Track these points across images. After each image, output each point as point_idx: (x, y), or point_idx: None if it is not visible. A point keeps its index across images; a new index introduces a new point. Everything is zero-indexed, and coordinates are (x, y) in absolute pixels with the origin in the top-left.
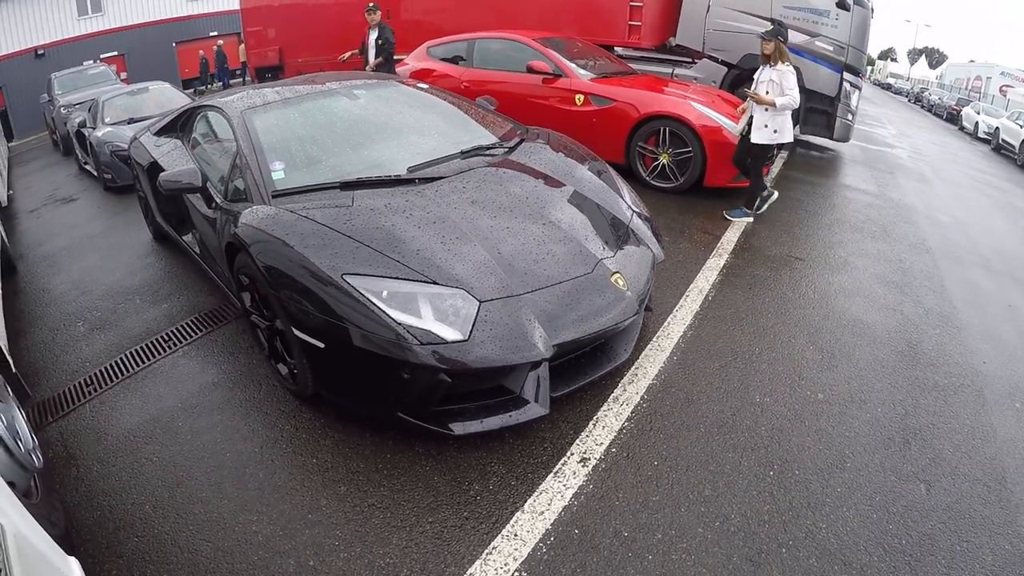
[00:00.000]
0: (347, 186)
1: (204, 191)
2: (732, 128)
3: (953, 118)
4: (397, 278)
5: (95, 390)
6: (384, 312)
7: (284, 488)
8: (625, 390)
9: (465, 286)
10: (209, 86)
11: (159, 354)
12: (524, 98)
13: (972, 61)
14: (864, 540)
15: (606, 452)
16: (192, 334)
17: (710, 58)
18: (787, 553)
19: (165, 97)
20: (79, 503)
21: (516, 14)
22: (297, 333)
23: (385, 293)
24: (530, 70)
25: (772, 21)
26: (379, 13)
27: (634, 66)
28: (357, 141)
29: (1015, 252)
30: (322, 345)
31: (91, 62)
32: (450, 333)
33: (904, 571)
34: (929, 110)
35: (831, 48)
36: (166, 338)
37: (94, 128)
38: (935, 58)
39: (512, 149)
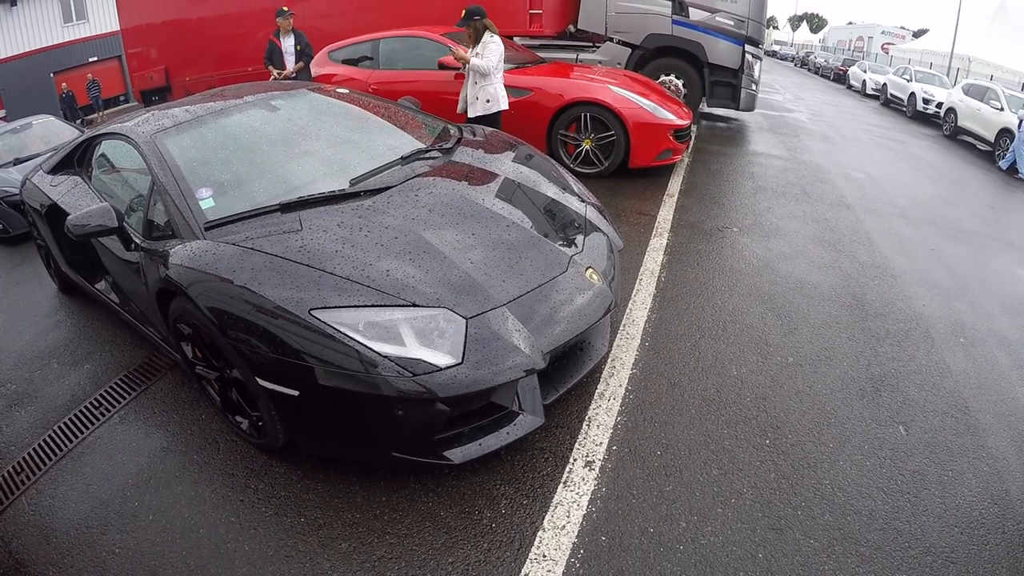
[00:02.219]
0: (288, 207)
1: (120, 231)
2: (652, 108)
3: (840, 78)
4: (371, 306)
5: (28, 478)
6: (365, 347)
7: (277, 558)
8: (608, 384)
9: (447, 304)
10: (101, 114)
11: (92, 423)
12: (437, 95)
13: (851, 23)
14: (865, 487)
15: (608, 451)
16: (125, 395)
17: (611, 40)
18: (803, 515)
19: (51, 131)
20: None
21: (414, 12)
22: (262, 383)
23: (361, 324)
24: (441, 66)
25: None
26: (292, 17)
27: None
28: (286, 156)
29: (926, 199)
30: (295, 393)
31: None
32: (441, 358)
33: (906, 508)
34: (816, 72)
35: (731, 22)
36: (96, 404)
37: None
38: (815, 23)
39: (451, 150)
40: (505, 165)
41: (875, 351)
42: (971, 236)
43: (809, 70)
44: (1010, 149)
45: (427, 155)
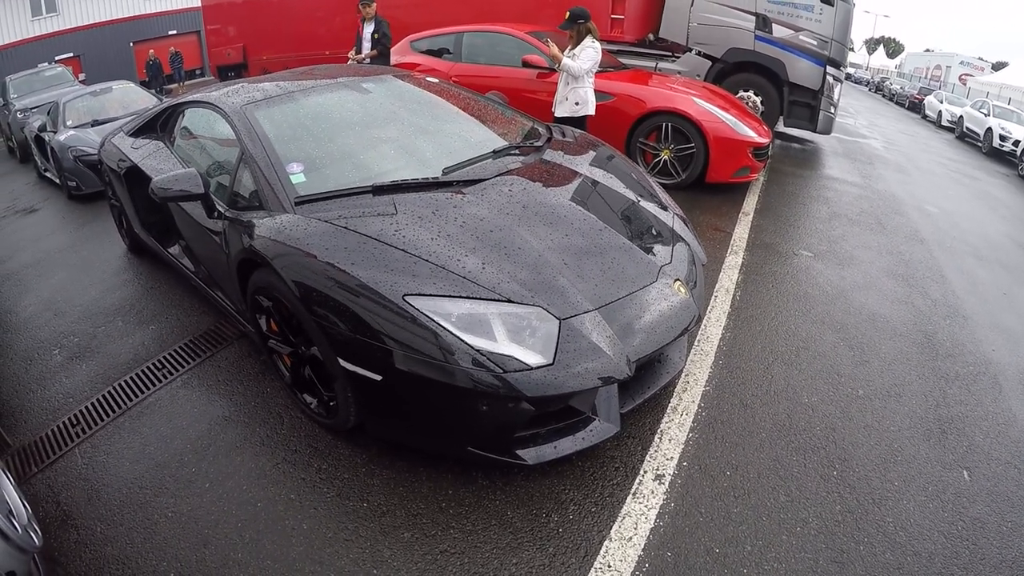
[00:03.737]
0: (380, 190)
1: (205, 198)
2: (733, 123)
3: (915, 106)
4: (466, 297)
5: (84, 431)
6: (457, 338)
7: (336, 540)
8: (681, 399)
9: (541, 303)
10: (182, 84)
11: (154, 385)
12: (518, 93)
13: (928, 50)
14: (926, 529)
15: (678, 467)
16: (189, 360)
17: (691, 51)
18: (865, 550)
19: (130, 97)
20: (84, 574)
21: (495, 7)
22: (344, 364)
23: (455, 316)
24: (525, 64)
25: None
26: (375, 5)
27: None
28: (375, 140)
29: (999, 240)
30: (378, 378)
31: (46, 64)
32: (533, 357)
33: (964, 555)
34: (891, 99)
35: (815, 42)
36: (159, 365)
37: (55, 132)
38: (892, 47)
39: (542, 149)
40: (595, 169)
41: (944, 392)
42: None
43: (884, 96)
44: None
45: (518, 151)
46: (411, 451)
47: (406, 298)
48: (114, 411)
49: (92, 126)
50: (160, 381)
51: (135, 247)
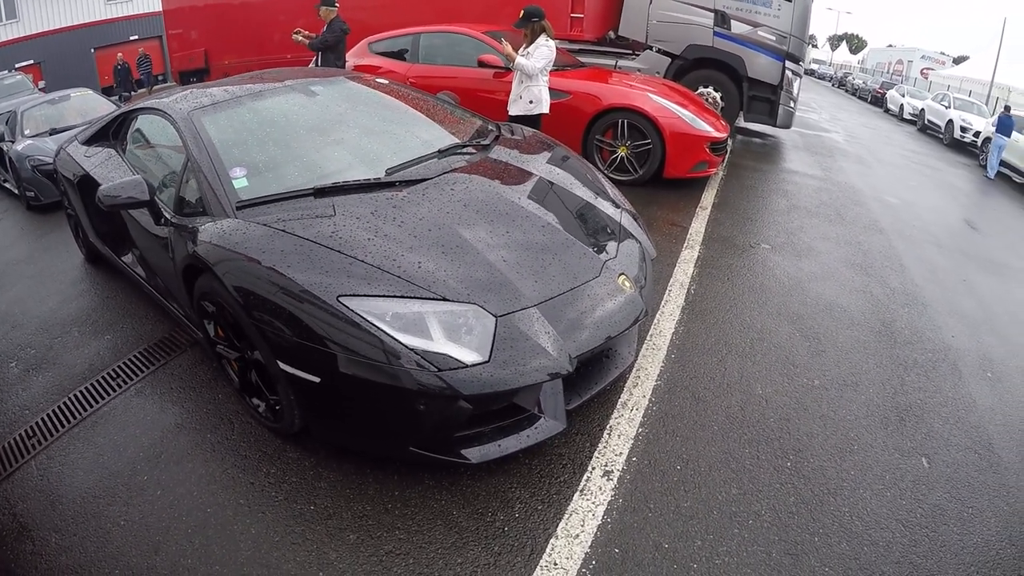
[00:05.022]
0: (321, 193)
1: (151, 205)
2: (690, 119)
3: (878, 101)
4: (400, 296)
5: (39, 442)
6: (391, 337)
7: (283, 544)
8: (632, 394)
9: (477, 300)
10: (150, 89)
11: (108, 394)
12: (475, 93)
13: (891, 46)
14: (884, 518)
15: (627, 462)
16: (143, 368)
17: (651, 49)
18: (820, 541)
19: (88, 105)
20: None
21: (455, 8)
22: (284, 367)
23: (389, 315)
24: (481, 64)
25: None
26: (336, 8)
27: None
28: (321, 142)
29: (960, 228)
30: (316, 380)
31: (5, 72)
32: (468, 355)
33: (924, 542)
34: (853, 93)
35: (773, 38)
36: (114, 375)
37: (13, 142)
38: (855, 43)
39: (488, 147)
40: (542, 166)
41: (902, 380)
42: (1003, 268)
43: (847, 91)
44: None
45: (464, 150)
46: (358, 454)
47: (340, 299)
48: (69, 422)
49: (50, 135)
50: (115, 390)
51: (92, 257)
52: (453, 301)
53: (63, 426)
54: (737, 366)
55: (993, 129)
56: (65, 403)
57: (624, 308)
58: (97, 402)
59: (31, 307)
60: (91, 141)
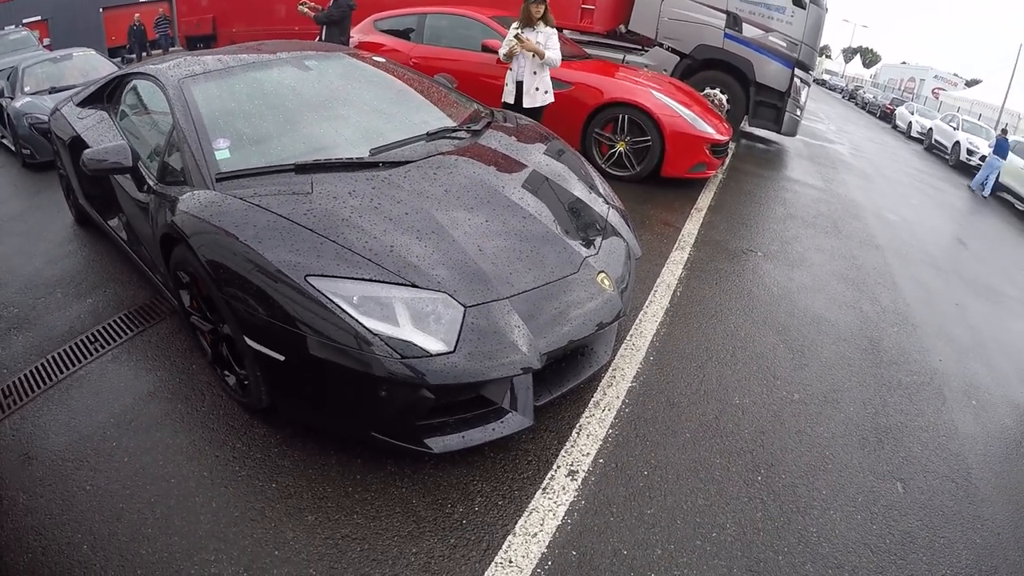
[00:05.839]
0: (302, 169)
1: (135, 171)
2: (692, 119)
3: (887, 116)
4: (369, 280)
5: (15, 402)
6: (356, 321)
7: (243, 520)
8: (605, 394)
9: (447, 289)
10: (166, 52)
11: (85, 358)
12: (476, 77)
13: (904, 63)
14: (852, 542)
15: (594, 463)
16: (121, 334)
17: (660, 46)
18: (784, 560)
19: (90, 65)
20: (5, 544)
21: None
22: (250, 343)
23: (356, 298)
24: (485, 48)
25: None
26: None
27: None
28: (310, 118)
29: (957, 251)
30: (281, 358)
31: (12, 27)
32: (433, 344)
33: (891, 570)
34: (863, 107)
35: (784, 44)
36: (92, 339)
37: (12, 98)
38: (869, 57)
39: (479, 133)
40: (533, 156)
41: (884, 400)
42: (998, 296)
43: (856, 104)
44: None
45: (454, 134)
46: (325, 435)
47: (308, 278)
48: (45, 383)
49: (50, 93)
50: (92, 355)
51: (81, 218)
52: (422, 288)
53: (38, 388)
54: (716, 373)
55: (991, 151)
56: (43, 364)
57: (601, 307)
58: (74, 365)
59: (17, 265)
60: (86, 103)
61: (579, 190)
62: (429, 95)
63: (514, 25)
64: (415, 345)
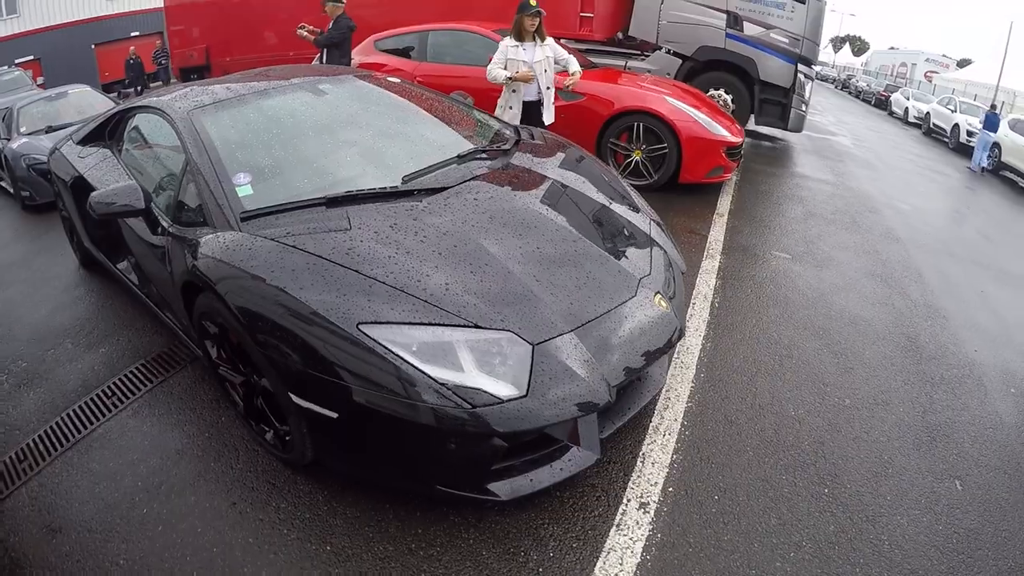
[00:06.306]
0: (334, 202)
1: (147, 213)
2: (707, 123)
3: (882, 103)
4: (428, 323)
5: (31, 467)
6: (419, 371)
7: None
8: (663, 418)
9: (511, 326)
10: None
11: (103, 415)
12: (485, 92)
13: (893, 48)
14: (921, 545)
15: (663, 492)
16: (140, 386)
17: (660, 49)
18: (861, 573)
19: (86, 102)
20: None
21: (461, 6)
22: (297, 400)
23: (416, 345)
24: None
25: None
26: (343, 4)
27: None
28: (332, 146)
29: (971, 236)
30: (334, 415)
31: (4, 68)
32: (503, 388)
33: (961, 570)
34: (857, 96)
35: (786, 40)
36: (109, 393)
37: (8, 139)
38: (858, 45)
39: (509, 152)
40: (567, 173)
41: (930, 397)
42: (1017, 280)
43: (850, 93)
44: None
45: (485, 156)
46: (375, 486)
47: (361, 327)
48: (62, 444)
49: (47, 133)
50: (110, 410)
51: (87, 261)
52: (486, 328)
53: (55, 450)
54: (768, 386)
55: (980, 126)
56: (58, 423)
57: (661, 329)
58: (92, 423)
59: (23, 314)
60: (86, 141)
61: (618, 207)
62: (451, 115)
63: (507, 41)
64: (485, 392)
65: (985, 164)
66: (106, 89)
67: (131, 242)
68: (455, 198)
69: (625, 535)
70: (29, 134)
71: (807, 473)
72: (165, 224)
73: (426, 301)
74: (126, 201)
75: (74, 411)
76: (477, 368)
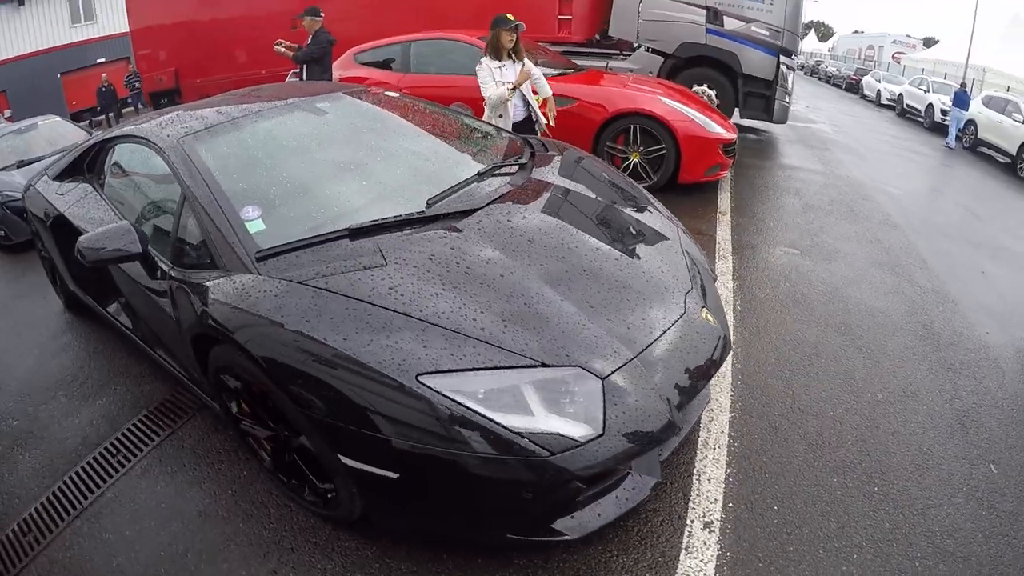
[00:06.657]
0: (358, 234)
1: (144, 257)
2: (703, 121)
3: (853, 87)
4: (492, 368)
5: (36, 541)
6: (489, 419)
7: None
8: (710, 431)
9: (578, 361)
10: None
11: (110, 475)
12: (475, 102)
13: (858, 32)
14: (969, 532)
15: (724, 509)
16: (146, 440)
17: (637, 48)
18: (921, 567)
19: (57, 132)
20: None
21: (439, 13)
22: (347, 461)
23: (482, 392)
24: None
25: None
26: (320, 19)
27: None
28: (342, 169)
29: (959, 216)
30: (394, 476)
31: None
32: (578, 429)
33: (1007, 552)
34: (827, 81)
35: (767, 33)
36: (114, 450)
37: None
38: (822, 31)
39: (527, 166)
40: (594, 185)
41: (955, 384)
42: (1012, 257)
43: (819, 79)
44: None
45: (504, 171)
46: (428, 537)
47: (420, 378)
48: (69, 513)
49: (18, 168)
50: (117, 470)
51: (72, 304)
52: (553, 366)
53: (62, 519)
54: (803, 387)
55: (951, 104)
56: (61, 488)
57: (715, 344)
58: (99, 487)
59: (9, 366)
60: (64, 176)
61: (647, 217)
62: (458, 130)
63: (487, 61)
64: (561, 436)
65: (953, 145)
66: (75, 118)
67: (123, 284)
68: (488, 221)
69: (695, 557)
70: (0, 170)
71: (855, 473)
72: (164, 267)
73: (486, 342)
74: (119, 245)
75: (77, 473)
76: (547, 409)
